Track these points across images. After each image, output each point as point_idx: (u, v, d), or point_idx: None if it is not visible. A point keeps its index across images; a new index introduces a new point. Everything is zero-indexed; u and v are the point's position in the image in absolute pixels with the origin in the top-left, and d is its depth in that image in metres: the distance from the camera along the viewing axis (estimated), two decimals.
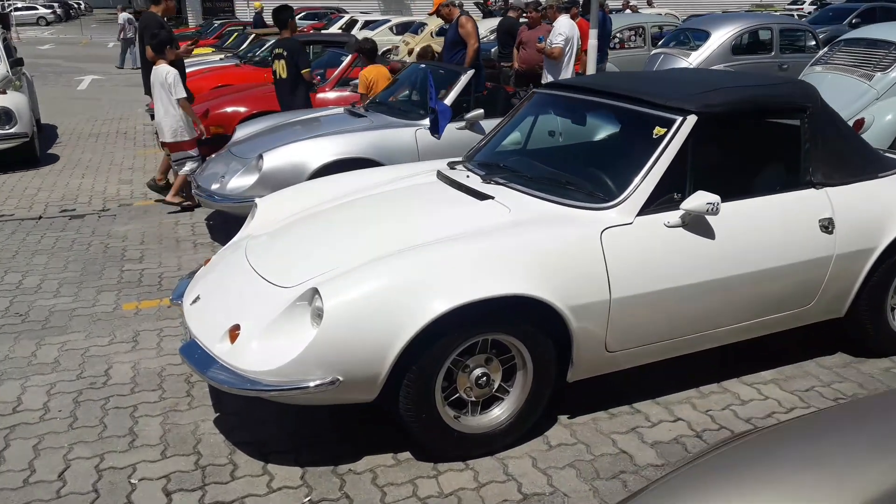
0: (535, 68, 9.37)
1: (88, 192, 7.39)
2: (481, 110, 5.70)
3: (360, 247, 3.15)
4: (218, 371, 2.84)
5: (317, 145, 5.46)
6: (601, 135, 3.76)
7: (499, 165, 3.71)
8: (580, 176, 3.41)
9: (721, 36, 9.77)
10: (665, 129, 3.23)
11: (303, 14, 29.40)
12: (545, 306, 2.85)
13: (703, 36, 9.96)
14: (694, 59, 9.78)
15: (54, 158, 8.99)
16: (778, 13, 21.63)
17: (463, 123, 5.76)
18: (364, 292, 2.76)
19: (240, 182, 5.43)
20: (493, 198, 3.35)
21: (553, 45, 8.39)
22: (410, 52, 17.30)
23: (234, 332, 2.93)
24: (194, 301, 3.28)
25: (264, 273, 3.17)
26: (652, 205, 3.13)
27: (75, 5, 55.80)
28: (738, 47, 9.82)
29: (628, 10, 18.78)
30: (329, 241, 3.32)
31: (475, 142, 5.74)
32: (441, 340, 2.77)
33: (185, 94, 6.52)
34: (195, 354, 2.97)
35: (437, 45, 17.92)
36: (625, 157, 3.38)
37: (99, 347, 4.04)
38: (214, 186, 5.52)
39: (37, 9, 48.15)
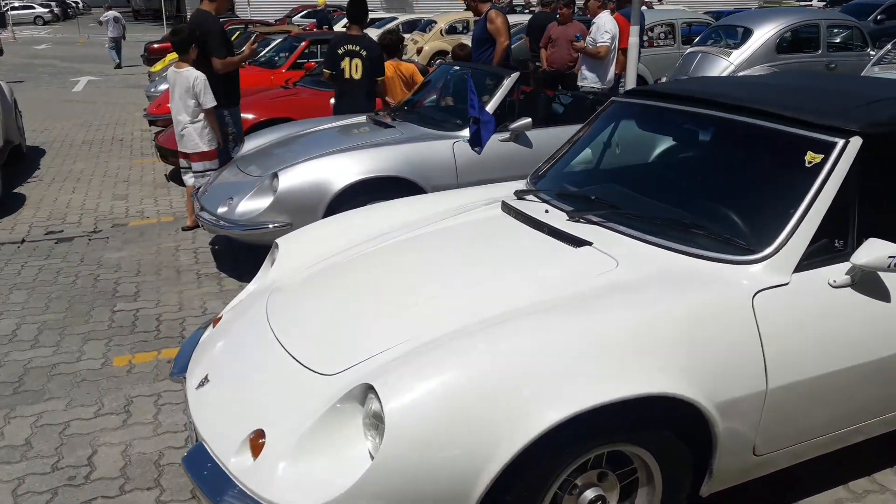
0: (565, 68, 8.60)
1: (78, 210, 6.58)
2: (528, 119, 4.89)
3: (419, 315, 2.35)
4: (235, 500, 2.03)
5: (340, 162, 4.65)
6: (722, 159, 2.93)
7: (588, 198, 2.88)
8: (706, 215, 2.60)
9: (765, 33, 8.96)
10: (821, 156, 2.43)
11: (304, 13, 28.62)
12: (686, 405, 2.06)
13: (744, 33, 9.15)
14: (735, 58, 8.99)
15: (43, 169, 8.17)
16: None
17: (507, 135, 4.95)
18: (439, 391, 1.94)
19: (251, 205, 4.62)
20: (590, 244, 2.54)
21: (599, 44, 7.60)
22: (419, 52, 16.49)
23: (256, 440, 2.12)
24: (201, 384, 2.46)
25: (294, 350, 2.36)
26: (811, 257, 2.33)
27: (73, 4, 54.84)
28: (782, 45, 9.02)
29: (644, 7, 17.93)
30: (377, 305, 2.50)
31: (520, 157, 4.99)
32: (546, 459, 1.97)
33: (215, 103, 5.70)
34: (203, 470, 2.15)
35: (447, 43, 17.15)
36: (767, 191, 2.56)
37: (82, 422, 3.23)
38: (222, 210, 4.70)
39: (34, 8, 47.20)
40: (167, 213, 6.49)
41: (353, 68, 6.03)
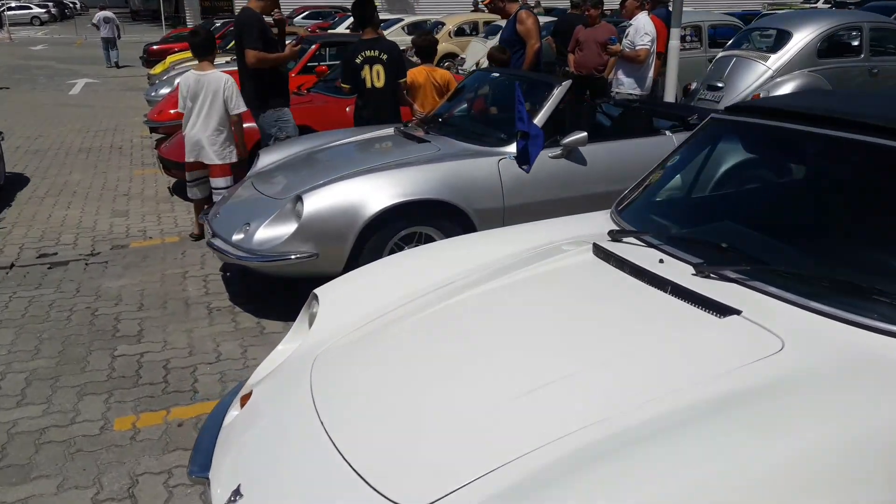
0: (594, 73, 8.01)
1: (74, 229, 5.96)
2: (584, 134, 4.29)
3: (529, 413, 1.72)
4: None
5: (371, 184, 4.04)
6: (873, 191, 2.31)
7: (718, 245, 2.26)
8: (883, 271, 2.00)
9: (805, 36, 8.37)
10: None
11: (306, 13, 28.01)
12: None
13: (782, 36, 8.56)
14: (773, 62, 8.39)
15: (37, 181, 7.55)
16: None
17: (558, 151, 4.36)
18: None
19: (271, 232, 4.02)
20: (737, 312, 1.94)
21: (639, 47, 7.01)
22: None
23: None
24: (233, 498, 1.82)
25: (359, 464, 1.71)
26: None
27: (70, 5, 54.08)
28: (822, 49, 8.43)
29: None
30: (454, 392, 1.86)
31: (573, 175, 4.40)
32: None
33: (246, 108, 5.22)
34: None
35: (456, 45, 16.54)
36: None
37: None
38: (237, 237, 4.10)
39: (31, 8, 46.48)
40: (171, 231, 5.89)
41: (375, 76, 5.43)
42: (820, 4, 29.37)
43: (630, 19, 7.38)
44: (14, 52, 25.12)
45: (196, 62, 5.47)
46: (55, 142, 9.66)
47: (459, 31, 16.55)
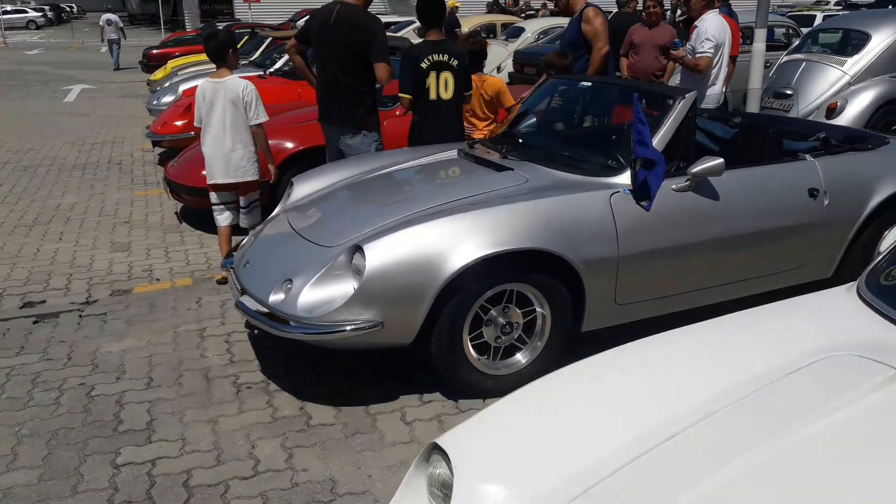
0: (651, 78, 7.06)
1: (67, 267, 4.98)
2: (720, 160, 3.32)
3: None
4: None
5: (452, 229, 3.06)
6: None
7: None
8: None
9: (886, 38, 7.44)
10: None
11: (307, 16, 26.98)
12: None
13: (859, 39, 7.63)
14: (850, 67, 7.46)
15: (25, 204, 6.55)
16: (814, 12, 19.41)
17: (684, 181, 3.39)
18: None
19: (321, 293, 3.04)
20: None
21: (700, 55, 6.03)
22: None
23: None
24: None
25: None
26: None
27: (67, 8, 52.98)
28: None
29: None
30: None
31: (703, 213, 3.43)
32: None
33: (267, 118, 4.43)
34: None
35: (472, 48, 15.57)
36: None
37: None
38: (276, 298, 3.12)
39: (26, 12, 45.41)
40: (183, 271, 4.91)
41: (443, 85, 4.47)
42: (832, 5, 28.62)
43: (696, 20, 6.39)
44: (8, 57, 24.10)
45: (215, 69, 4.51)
46: (47, 156, 8.67)
47: (476, 34, 15.56)
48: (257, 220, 4.56)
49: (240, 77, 4.45)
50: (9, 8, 45.77)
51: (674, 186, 3.36)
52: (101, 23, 20.66)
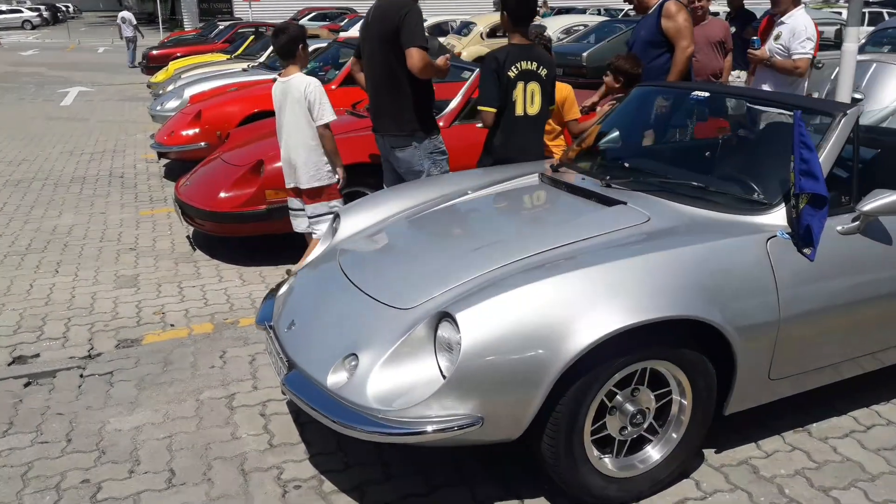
0: (710, 79, 6.35)
1: (65, 308, 4.22)
2: None
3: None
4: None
5: (573, 290, 2.30)
6: None
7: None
8: None
9: None
10: None
11: (312, 14, 26.24)
12: None
13: None
14: None
15: (17, 227, 5.79)
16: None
17: (852, 221, 2.65)
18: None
19: (399, 377, 2.28)
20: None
21: (797, 57, 5.30)
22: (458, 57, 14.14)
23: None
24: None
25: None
26: None
27: (63, 8, 52.02)
28: None
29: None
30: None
31: (882, 261, 2.70)
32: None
33: (334, 117, 4.05)
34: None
35: (488, 47, 14.80)
36: None
37: None
38: (336, 378, 2.36)
39: (21, 12, 44.51)
40: (201, 313, 4.15)
41: (529, 98, 3.72)
42: (841, 2, 27.96)
43: (783, 16, 5.65)
44: (2, 58, 23.27)
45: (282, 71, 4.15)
46: (42, 168, 7.89)
47: (492, 33, 14.79)
48: (321, 232, 3.99)
49: (303, 74, 4.09)
50: (3, 8, 44.91)
51: (839, 228, 2.62)
52: (118, 20, 20.91)
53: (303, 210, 4.26)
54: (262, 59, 10.81)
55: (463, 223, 3.08)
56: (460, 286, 2.46)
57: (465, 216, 3.15)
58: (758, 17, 7.27)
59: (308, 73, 7.85)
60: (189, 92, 8.69)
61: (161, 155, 7.18)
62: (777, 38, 5.50)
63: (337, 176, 4.18)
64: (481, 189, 3.32)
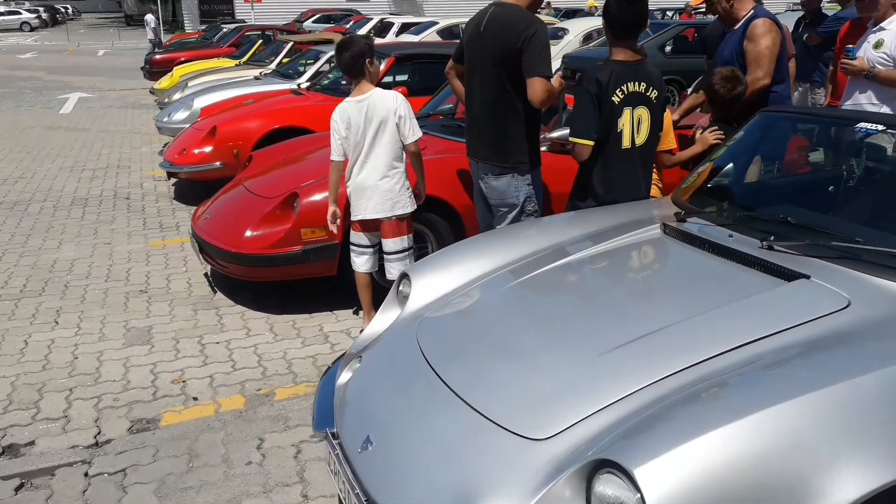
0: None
1: (65, 375, 3.50)
2: None
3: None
4: None
5: (798, 426, 1.57)
6: None
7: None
8: None
9: None
10: None
11: (315, 17, 25.55)
12: None
13: None
14: None
15: (10, 262, 5.06)
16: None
17: None
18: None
19: None
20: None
21: None
22: None
23: None
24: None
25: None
26: None
27: (62, 10, 51.18)
28: None
29: None
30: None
31: None
32: None
33: (421, 134, 3.58)
34: None
35: None
36: None
37: None
38: None
39: (20, 13, 43.67)
40: (228, 381, 3.44)
41: (635, 125, 3.02)
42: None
43: (881, 22, 4.95)
44: (1, 61, 22.51)
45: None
46: (40, 187, 7.17)
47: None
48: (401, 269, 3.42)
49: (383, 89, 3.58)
50: (2, 9, 44.07)
51: None
52: (148, 22, 21.74)
53: (371, 247, 3.69)
54: (273, 66, 10.11)
55: (586, 299, 2.35)
56: (613, 407, 1.75)
57: (585, 288, 2.44)
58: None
59: (331, 84, 7.16)
60: (199, 103, 7.99)
61: (171, 175, 6.47)
62: (878, 45, 4.78)
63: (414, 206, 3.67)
64: (587, 244, 2.60)
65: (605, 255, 2.54)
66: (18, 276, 4.77)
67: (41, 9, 46.05)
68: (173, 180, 6.93)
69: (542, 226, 2.99)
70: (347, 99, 3.55)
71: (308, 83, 7.63)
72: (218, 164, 6.06)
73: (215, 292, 4.46)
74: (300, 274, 4.02)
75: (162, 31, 30.85)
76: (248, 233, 3.98)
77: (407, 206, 3.61)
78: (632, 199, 2.98)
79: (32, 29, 42.38)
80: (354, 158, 3.58)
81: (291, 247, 3.90)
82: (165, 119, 8.28)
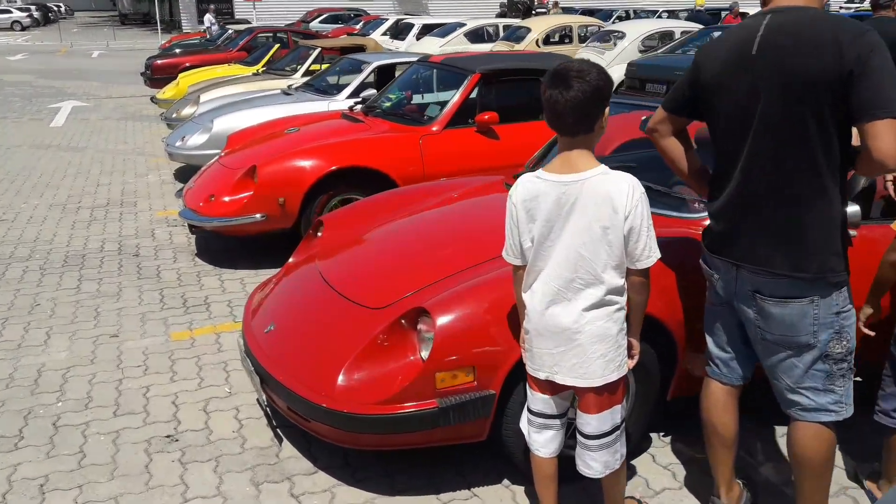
0: None
1: None
2: None
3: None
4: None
5: None
6: None
7: None
8: None
9: None
10: None
11: (322, 17, 23.91)
12: None
13: None
14: None
15: None
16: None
17: None
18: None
19: None
20: None
21: None
22: None
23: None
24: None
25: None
26: None
27: (55, 8, 49.20)
28: None
29: None
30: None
31: None
32: None
33: (659, 255, 2.02)
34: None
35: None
36: None
37: None
38: None
39: (11, 12, 41.73)
40: None
41: None
42: (865, 4, 25.98)
43: None
44: None
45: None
46: (24, 236, 5.59)
47: (547, 39, 12.55)
48: (615, 464, 2.07)
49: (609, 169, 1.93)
50: None
51: None
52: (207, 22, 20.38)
53: (558, 419, 2.18)
54: (299, 76, 8.55)
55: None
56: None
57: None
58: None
59: (393, 108, 5.58)
60: (220, 124, 6.45)
61: (194, 228, 4.91)
62: None
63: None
64: None
65: None
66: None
67: (33, 7, 44.10)
68: (194, 236, 5.35)
69: None
70: (541, 173, 2.01)
71: (357, 102, 6.07)
72: (258, 216, 4.52)
73: (281, 441, 2.91)
74: (434, 440, 2.47)
75: (160, 31, 29.16)
76: (343, 378, 2.43)
77: (622, 367, 2.06)
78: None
79: (24, 28, 40.49)
80: (531, 269, 2.07)
81: (425, 402, 2.35)
82: (178, 143, 6.72)
